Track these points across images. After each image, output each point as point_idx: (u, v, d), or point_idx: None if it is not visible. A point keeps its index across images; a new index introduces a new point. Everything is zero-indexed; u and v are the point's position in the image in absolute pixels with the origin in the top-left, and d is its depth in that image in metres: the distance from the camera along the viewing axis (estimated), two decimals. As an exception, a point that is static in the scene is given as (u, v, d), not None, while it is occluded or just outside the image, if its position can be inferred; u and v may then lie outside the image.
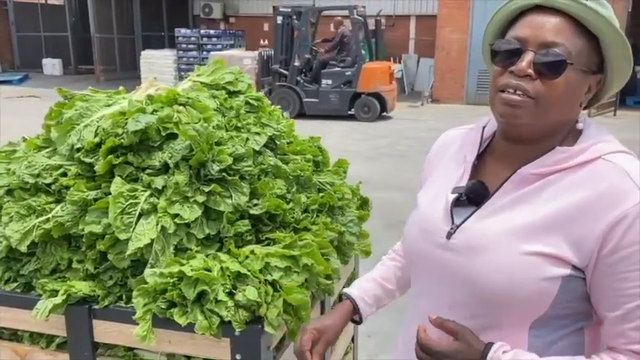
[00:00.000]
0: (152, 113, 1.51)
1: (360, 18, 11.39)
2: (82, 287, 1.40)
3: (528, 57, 1.00)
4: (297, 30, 11.64)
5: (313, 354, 1.26)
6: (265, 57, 12.06)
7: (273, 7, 12.62)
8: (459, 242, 1.08)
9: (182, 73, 15.22)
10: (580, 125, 1.07)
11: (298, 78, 11.66)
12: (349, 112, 11.62)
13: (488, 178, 1.12)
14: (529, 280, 0.99)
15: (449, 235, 1.10)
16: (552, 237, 0.99)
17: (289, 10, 11.79)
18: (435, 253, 1.12)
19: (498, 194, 1.07)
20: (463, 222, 1.09)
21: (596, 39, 1.02)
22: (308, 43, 11.94)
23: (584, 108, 1.12)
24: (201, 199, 1.41)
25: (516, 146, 1.09)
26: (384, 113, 11.85)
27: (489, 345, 1.03)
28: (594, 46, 1.02)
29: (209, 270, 1.30)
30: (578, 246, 0.98)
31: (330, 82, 11.63)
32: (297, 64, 11.54)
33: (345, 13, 11.73)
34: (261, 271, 1.34)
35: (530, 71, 1.00)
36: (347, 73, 11.52)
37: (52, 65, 19.68)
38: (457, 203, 1.11)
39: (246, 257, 1.38)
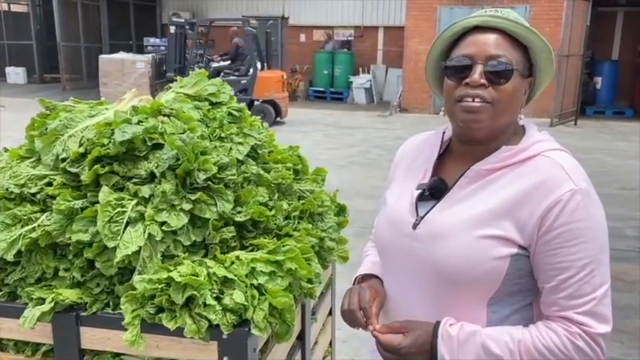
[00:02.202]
0: (138, 124, 1.54)
1: (253, 30, 11.93)
2: (70, 295, 1.42)
3: (479, 69, 1.18)
4: (191, 40, 12.23)
5: (372, 314, 1.26)
6: (158, 60, 12.37)
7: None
8: (423, 232, 1.23)
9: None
10: (522, 122, 1.26)
11: None
12: None
13: (447, 175, 1.28)
14: (483, 259, 1.14)
15: (414, 226, 1.25)
16: (501, 221, 1.15)
17: (182, 20, 12.49)
18: (402, 243, 1.27)
19: (455, 188, 1.24)
20: (426, 214, 1.25)
21: (525, 48, 1.21)
22: (202, 52, 12.54)
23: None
24: (187, 206, 1.45)
25: (470, 147, 1.25)
26: (278, 119, 12.36)
27: (438, 323, 1.19)
28: (525, 54, 1.22)
29: (197, 275, 1.34)
30: (523, 228, 1.14)
31: None
32: (191, 72, 11.82)
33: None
34: (247, 275, 1.39)
35: (483, 81, 1.17)
36: (242, 82, 12.02)
37: (15, 74, 19.23)
38: (421, 198, 1.28)
39: (232, 263, 1.43)
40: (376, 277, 1.40)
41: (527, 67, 1.23)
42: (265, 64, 12.67)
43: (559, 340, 1.12)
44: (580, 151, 9.47)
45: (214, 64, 12.44)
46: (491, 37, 1.19)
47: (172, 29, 12.22)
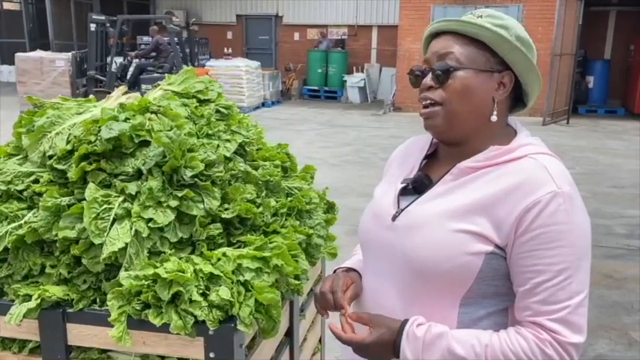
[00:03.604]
0: (125, 121, 1.55)
1: (176, 27, 11.97)
2: (56, 291, 1.43)
3: (430, 73, 1.20)
4: (112, 37, 12.22)
5: (345, 299, 1.26)
6: (79, 58, 12.42)
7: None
8: (401, 223, 1.23)
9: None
10: (494, 118, 1.20)
11: (116, 83, 11.89)
12: None
13: (433, 173, 1.28)
14: (455, 253, 1.13)
15: (394, 218, 1.25)
16: (478, 218, 1.13)
17: (103, 18, 12.35)
18: (382, 234, 1.27)
19: (439, 184, 1.24)
20: (407, 206, 1.25)
21: (484, 43, 1.19)
22: (123, 50, 12.56)
23: (519, 105, 1.28)
24: (174, 203, 1.45)
25: (454, 148, 1.25)
26: None
27: (405, 321, 1.16)
28: (486, 48, 1.18)
29: (183, 272, 1.35)
30: (500, 227, 1.12)
31: (149, 87, 11.98)
32: (114, 69, 11.96)
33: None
34: (233, 272, 1.39)
35: (431, 82, 1.19)
36: None
37: (8, 72, 19.13)
38: (404, 192, 1.28)
39: (219, 259, 1.43)
40: (357, 272, 1.40)
41: (499, 61, 1.19)
42: (189, 62, 12.67)
43: (527, 346, 1.08)
44: (572, 149, 9.52)
45: (136, 61, 12.47)
46: (442, 40, 1.21)
47: (92, 27, 12.14)
